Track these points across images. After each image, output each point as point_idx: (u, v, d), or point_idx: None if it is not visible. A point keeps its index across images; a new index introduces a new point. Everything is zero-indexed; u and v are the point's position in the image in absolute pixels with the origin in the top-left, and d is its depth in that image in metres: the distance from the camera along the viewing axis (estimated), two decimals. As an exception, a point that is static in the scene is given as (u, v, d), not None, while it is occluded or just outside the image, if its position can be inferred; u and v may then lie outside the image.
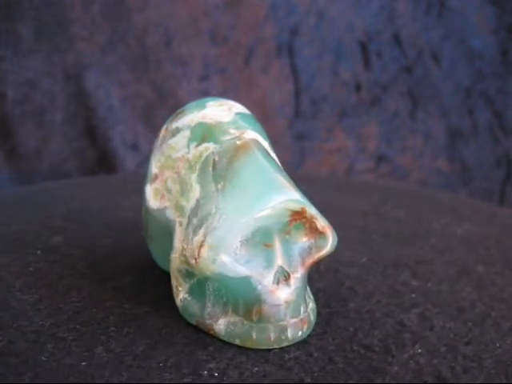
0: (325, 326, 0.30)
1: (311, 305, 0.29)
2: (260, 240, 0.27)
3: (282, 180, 0.28)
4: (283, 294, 0.28)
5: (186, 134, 0.30)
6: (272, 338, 0.28)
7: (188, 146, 0.30)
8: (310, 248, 0.28)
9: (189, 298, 0.29)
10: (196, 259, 0.27)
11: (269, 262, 0.27)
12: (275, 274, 0.27)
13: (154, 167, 0.31)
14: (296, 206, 0.28)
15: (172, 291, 0.30)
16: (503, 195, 0.72)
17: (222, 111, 0.31)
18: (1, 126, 0.65)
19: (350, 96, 0.72)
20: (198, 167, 0.29)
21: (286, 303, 0.28)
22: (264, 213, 0.27)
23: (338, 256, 0.36)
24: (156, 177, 0.31)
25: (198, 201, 0.29)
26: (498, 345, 0.29)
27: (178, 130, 0.31)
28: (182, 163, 0.30)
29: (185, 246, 0.28)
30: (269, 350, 0.28)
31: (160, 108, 0.68)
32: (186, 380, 0.26)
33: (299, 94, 0.71)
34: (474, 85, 0.72)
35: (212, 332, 0.28)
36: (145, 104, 0.68)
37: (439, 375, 0.27)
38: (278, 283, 0.27)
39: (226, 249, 0.27)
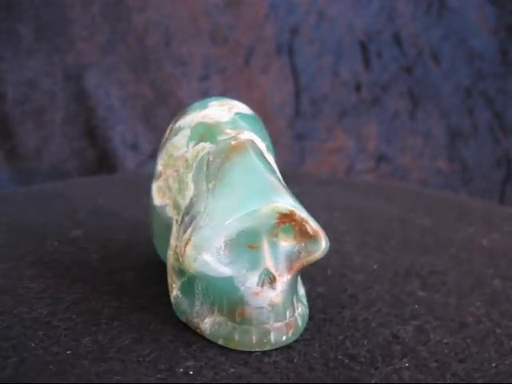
0: (315, 332, 0.29)
1: (301, 310, 0.29)
2: (245, 241, 0.27)
3: (272, 182, 0.28)
4: (267, 297, 0.27)
5: (187, 133, 0.31)
6: (254, 341, 0.27)
7: (187, 145, 0.30)
8: (300, 252, 0.28)
9: (180, 296, 0.29)
10: (181, 257, 0.27)
11: (254, 264, 0.27)
12: (260, 276, 0.27)
13: (159, 165, 0.32)
14: (284, 209, 0.27)
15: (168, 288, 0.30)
16: (503, 195, 0.72)
17: (222, 111, 0.31)
18: (1, 125, 0.64)
19: (349, 96, 0.72)
20: (194, 166, 0.29)
21: (270, 306, 0.27)
22: (250, 214, 0.27)
23: (348, 261, 0.36)
24: (160, 174, 0.32)
25: (191, 199, 0.29)
26: (493, 365, 0.27)
27: (180, 129, 0.31)
28: (181, 162, 0.30)
29: (177, 244, 0.28)
30: (251, 353, 0.27)
31: (160, 108, 0.68)
32: (159, 376, 0.26)
33: (299, 93, 0.71)
34: (474, 85, 0.72)
35: (198, 330, 0.28)
36: (145, 104, 0.68)
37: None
38: (262, 285, 0.27)
39: (208, 248, 0.27)
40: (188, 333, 0.29)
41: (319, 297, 0.33)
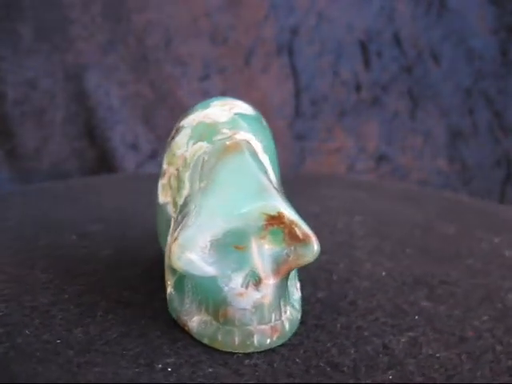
0: (304, 337, 0.29)
1: (290, 314, 0.28)
2: (232, 241, 0.27)
3: (263, 183, 0.27)
4: (251, 299, 0.27)
5: (188, 132, 0.31)
6: (237, 342, 0.27)
7: (187, 144, 0.30)
8: (288, 255, 0.27)
9: (173, 293, 0.29)
10: (169, 255, 0.27)
11: (239, 265, 0.27)
12: (245, 278, 0.27)
13: (164, 163, 0.32)
14: (272, 211, 0.27)
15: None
16: (503, 195, 0.72)
17: (222, 111, 0.31)
18: (1, 125, 0.64)
19: (349, 96, 0.72)
20: (191, 165, 0.30)
21: (254, 308, 0.27)
22: (237, 215, 0.27)
23: (357, 267, 0.36)
24: (164, 173, 0.32)
25: (185, 198, 0.29)
26: (483, 384, 0.26)
27: (182, 128, 0.31)
28: (181, 160, 0.30)
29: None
30: (233, 354, 0.27)
31: (160, 108, 0.68)
32: (137, 370, 0.26)
33: (299, 93, 0.71)
34: (474, 85, 0.72)
35: (186, 328, 0.28)
36: (145, 104, 0.68)
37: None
38: (247, 287, 0.27)
39: (193, 247, 0.26)
40: (177, 330, 0.29)
41: (318, 302, 0.32)
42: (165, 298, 0.30)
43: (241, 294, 0.27)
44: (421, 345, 0.29)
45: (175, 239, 0.27)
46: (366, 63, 0.72)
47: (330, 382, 0.26)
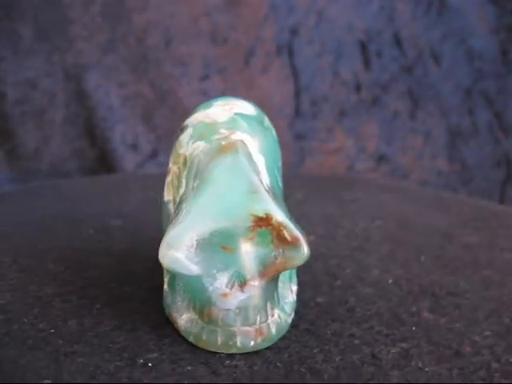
0: (292, 341, 0.28)
1: (277, 317, 0.28)
2: (218, 241, 0.27)
3: (253, 184, 0.27)
4: (235, 300, 0.27)
5: (190, 131, 0.31)
6: (219, 342, 0.27)
7: (188, 143, 0.30)
8: (276, 257, 0.27)
9: (167, 290, 0.30)
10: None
11: (225, 265, 0.27)
12: (230, 278, 0.27)
13: (170, 162, 0.32)
14: (260, 212, 0.26)
15: None
16: (503, 195, 0.72)
17: (223, 111, 0.31)
18: (1, 125, 0.64)
19: (349, 96, 0.72)
20: (188, 164, 0.30)
21: (238, 309, 0.27)
22: (223, 215, 0.26)
23: (364, 273, 0.35)
24: (169, 171, 0.32)
25: (181, 197, 0.29)
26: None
27: (186, 127, 0.32)
28: (181, 159, 0.31)
29: None
30: (216, 354, 0.27)
31: (160, 108, 0.68)
32: (118, 363, 0.27)
33: (299, 93, 0.71)
34: (474, 85, 0.72)
35: (176, 325, 0.29)
36: (145, 104, 0.68)
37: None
38: (231, 287, 0.27)
39: (179, 245, 0.27)
40: (168, 327, 0.29)
41: (316, 306, 0.31)
42: None
43: (225, 295, 0.27)
44: (411, 357, 0.27)
45: (165, 237, 0.27)
46: (366, 63, 0.72)
47: None
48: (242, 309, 0.27)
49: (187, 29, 0.68)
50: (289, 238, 0.27)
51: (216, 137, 0.29)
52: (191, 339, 0.28)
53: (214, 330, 0.27)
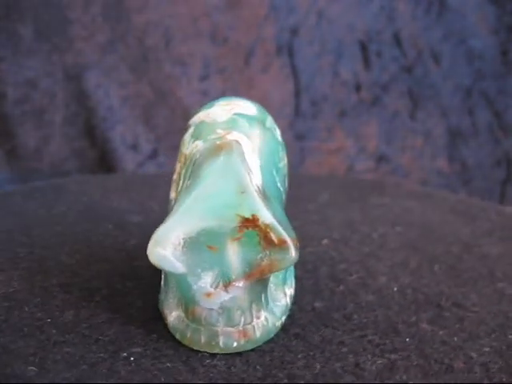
0: (278, 345, 0.28)
1: (264, 319, 0.28)
2: (205, 241, 0.27)
3: (242, 184, 0.27)
4: (219, 300, 0.27)
5: (191, 130, 0.31)
6: (202, 341, 0.27)
7: (189, 142, 0.31)
8: (262, 259, 0.27)
9: (163, 287, 0.30)
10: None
11: (210, 265, 0.27)
12: (215, 278, 0.27)
13: (177, 160, 0.32)
14: (246, 213, 0.26)
15: None
16: (503, 195, 0.72)
17: (223, 111, 0.31)
18: (1, 125, 0.64)
19: (349, 96, 0.72)
20: (187, 163, 0.30)
21: (221, 309, 0.27)
22: (210, 214, 0.26)
23: (370, 279, 0.34)
24: (175, 169, 0.32)
25: (177, 195, 0.30)
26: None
27: (189, 127, 0.32)
28: (183, 158, 0.31)
29: None
30: (199, 352, 0.27)
31: (160, 108, 0.68)
32: (101, 355, 0.27)
33: (299, 94, 0.71)
34: (474, 85, 0.72)
35: (166, 322, 0.29)
36: (145, 104, 0.68)
37: None
38: (216, 287, 0.27)
39: (165, 243, 0.27)
40: (159, 323, 0.29)
41: (312, 311, 0.31)
42: None
43: (209, 294, 0.27)
44: (397, 369, 0.26)
45: (154, 235, 0.27)
46: (366, 63, 0.72)
47: None
48: (226, 309, 0.27)
49: (187, 29, 0.68)
50: (276, 240, 0.26)
51: (212, 136, 0.29)
52: (177, 336, 0.28)
53: (198, 328, 0.27)
